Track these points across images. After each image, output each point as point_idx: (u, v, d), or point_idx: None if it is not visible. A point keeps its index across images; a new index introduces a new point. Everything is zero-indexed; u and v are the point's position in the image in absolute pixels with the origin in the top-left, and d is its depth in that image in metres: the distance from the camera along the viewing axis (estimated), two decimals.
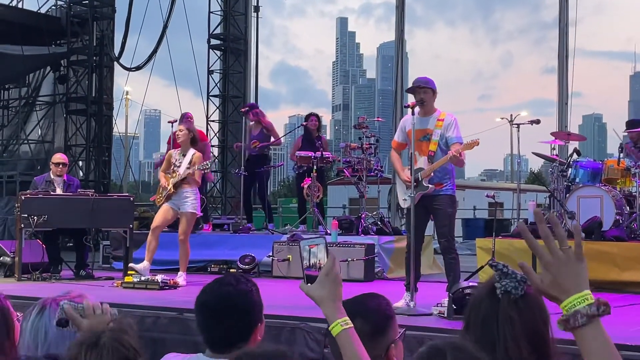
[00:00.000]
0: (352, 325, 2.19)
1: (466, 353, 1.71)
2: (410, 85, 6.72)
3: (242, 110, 11.83)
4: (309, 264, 2.28)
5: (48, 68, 18.72)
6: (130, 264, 8.56)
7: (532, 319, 1.92)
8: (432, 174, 6.44)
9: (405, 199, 6.57)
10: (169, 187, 8.56)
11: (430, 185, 6.43)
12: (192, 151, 8.63)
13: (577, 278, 1.76)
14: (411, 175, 6.34)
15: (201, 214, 9.05)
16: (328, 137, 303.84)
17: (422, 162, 6.51)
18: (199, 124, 12.69)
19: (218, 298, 2.64)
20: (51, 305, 2.50)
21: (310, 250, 2.29)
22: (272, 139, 11.43)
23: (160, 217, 8.63)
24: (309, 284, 2.24)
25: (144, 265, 8.40)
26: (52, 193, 9.26)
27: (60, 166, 9.69)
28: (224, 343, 2.50)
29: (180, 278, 8.34)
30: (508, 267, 1.94)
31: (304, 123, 11.42)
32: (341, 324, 2.17)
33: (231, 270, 9.42)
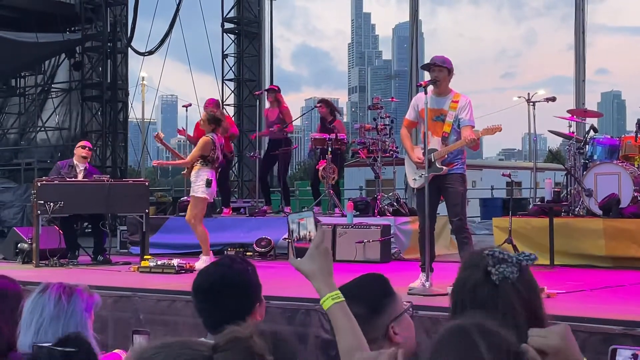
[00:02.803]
0: (343, 299, 2.14)
1: (496, 337, 1.62)
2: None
3: (276, 87, 11.82)
4: (299, 236, 2.24)
5: (63, 55, 18.77)
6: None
7: (530, 296, 1.92)
8: (446, 156, 6.40)
9: (415, 179, 6.52)
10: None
11: (443, 167, 6.39)
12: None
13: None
14: (424, 155, 6.28)
15: (211, 200, 8.92)
16: (345, 120, 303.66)
17: (435, 142, 6.44)
18: None
19: (213, 280, 2.62)
20: (54, 287, 2.53)
21: (299, 223, 2.25)
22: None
23: None
24: (299, 258, 2.19)
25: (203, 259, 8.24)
26: (68, 179, 9.28)
27: (85, 149, 9.74)
28: (222, 325, 2.46)
29: (200, 262, 8.07)
30: (502, 252, 1.92)
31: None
32: (332, 298, 2.13)
33: (247, 253, 9.43)
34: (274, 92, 11.59)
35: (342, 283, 2.41)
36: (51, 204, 8.75)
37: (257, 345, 1.25)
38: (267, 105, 11.72)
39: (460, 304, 1.95)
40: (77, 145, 10.00)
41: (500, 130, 6.43)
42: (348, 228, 9.16)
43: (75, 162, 9.69)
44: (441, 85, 6.49)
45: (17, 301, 2.67)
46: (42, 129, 19.21)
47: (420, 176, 6.30)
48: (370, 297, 2.35)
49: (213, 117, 8.74)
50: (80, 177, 9.49)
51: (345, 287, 2.36)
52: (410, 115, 6.75)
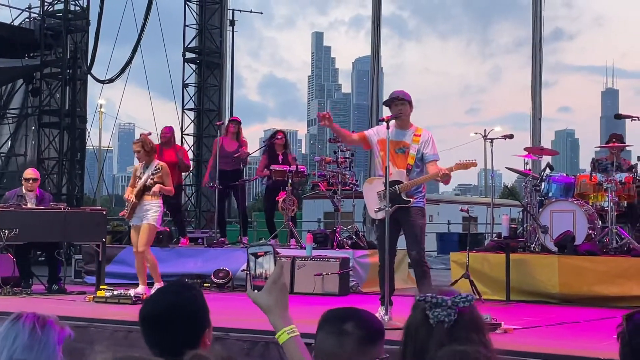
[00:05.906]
0: (298, 333, 2.17)
1: None
2: (385, 99, 6.78)
3: (238, 120, 11.85)
4: (258, 272, 2.25)
5: (20, 80, 18.55)
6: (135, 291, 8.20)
7: (471, 337, 1.90)
8: (411, 188, 6.47)
9: (377, 210, 6.53)
10: (131, 198, 8.38)
11: (409, 199, 6.45)
12: (156, 162, 8.43)
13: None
14: (385, 187, 6.31)
15: (161, 228, 8.87)
16: (303, 152, 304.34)
17: (397, 174, 6.50)
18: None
19: (161, 308, 2.53)
20: (28, 316, 2.49)
21: (258, 257, 2.26)
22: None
23: (134, 240, 8.42)
24: (256, 291, 2.21)
25: (140, 289, 8.30)
26: (23, 207, 9.15)
27: (31, 181, 9.56)
28: (172, 353, 2.36)
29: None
30: (437, 297, 1.92)
31: (271, 140, 11.34)
32: (287, 332, 2.16)
33: (205, 284, 9.35)
34: (239, 123, 11.61)
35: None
36: (6, 231, 8.60)
37: None
38: (224, 134, 11.59)
39: (403, 347, 1.96)
40: (22, 176, 9.83)
41: (475, 166, 6.50)
42: (307, 260, 9.16)
43: (24, 191, 9.55)
44: (403, 119, 6.61)
45: None
46: None
47: (383, 207, 6.30)
48: (371, 325, 2.39)
49: (147, 147, 8.59)
50: (30, 205, 9.34)
51: (344, 308, 2.38)
52: (368, 132, 6.86)
